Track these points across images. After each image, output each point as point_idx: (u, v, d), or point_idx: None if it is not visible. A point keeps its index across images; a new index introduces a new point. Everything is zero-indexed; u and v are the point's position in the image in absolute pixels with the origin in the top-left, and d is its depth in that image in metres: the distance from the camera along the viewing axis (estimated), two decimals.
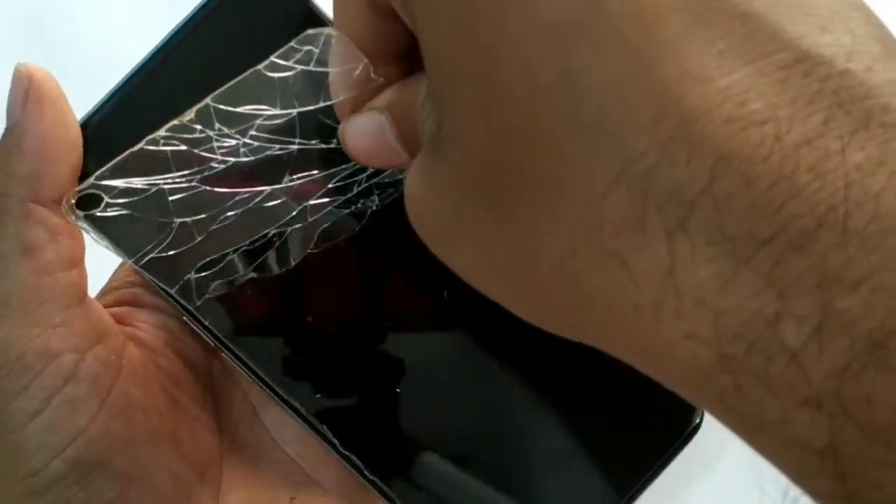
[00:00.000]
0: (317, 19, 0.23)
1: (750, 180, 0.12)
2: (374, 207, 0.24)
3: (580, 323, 0.15)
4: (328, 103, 0.22)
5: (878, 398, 0.11)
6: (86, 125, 0.22)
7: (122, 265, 0.25)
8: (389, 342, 0.25)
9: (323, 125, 0.23)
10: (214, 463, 0.24)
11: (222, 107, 0.22)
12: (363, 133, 0.20)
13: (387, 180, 0.24)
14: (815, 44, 0.12)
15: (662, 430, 0.25)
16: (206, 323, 0.23)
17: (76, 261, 0.21)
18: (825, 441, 0.11)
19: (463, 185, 0.16)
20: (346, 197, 0.24)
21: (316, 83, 0.21)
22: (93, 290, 0.23)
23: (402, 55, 0.20)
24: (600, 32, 0.13)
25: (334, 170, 0.24)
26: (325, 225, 0.24)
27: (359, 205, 0.24)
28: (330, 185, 0.24)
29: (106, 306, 0.23)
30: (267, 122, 0.23)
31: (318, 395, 0.24)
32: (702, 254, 0.12)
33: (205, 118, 0.22)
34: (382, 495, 0.24)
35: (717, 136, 0.12)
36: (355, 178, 0.24)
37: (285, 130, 0.23)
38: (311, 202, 0.23)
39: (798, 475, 0.12)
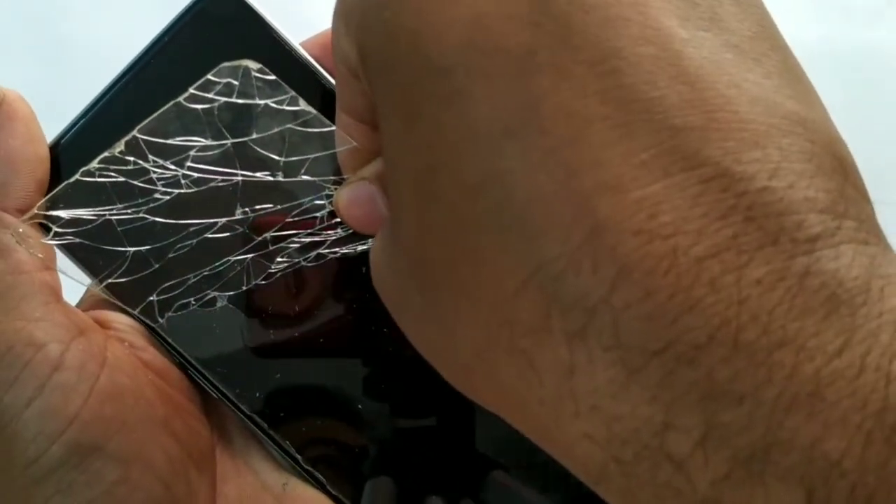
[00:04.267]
0: (281, 46, 0.23)
1: (649, 292, 0.12)
2: (337, 237, 0.24)
3: (499, 407, 0.15)
4: (262, 135, 0.21)
5: None
6: (55, 147, 0.23)
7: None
8: (357, 357, 0.24)
9: (264, 158, 0.23)
10: (209, 453, 0.24)
11: (151, 139, 0.22)
12: (355, 202, 0.21)
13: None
14: (738, 160, 0.12)
15: None
16: (171, 341, 0.23)
17: (47, 264, 0.22)
18: None
19: (404, 266, 0.16)
20: (309, 231, 0.23)
21: (244, 116, 0.21)
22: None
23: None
24: (529, 139, 0.13)
25: (290, 204, 0.23)
26: (289, 251, 0.24)
27: (321, 238, 0.24)
28: (289, 219, 0.23)
29: (83, 311, 0.23)
30: (201, 154, 0.22)
31: (282, 414, 0.24)
32: (599, 359, 0.12)
33: (135, 150, 0.22)
34: None
35: (622, 248, 0.12)
36: (316, 214, 0.24)
37: (223, 162, 0.23)
38: (272, 233, 0.23)
39: None
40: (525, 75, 0.13)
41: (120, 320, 0.24)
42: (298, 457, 0.24)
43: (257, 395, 0.24)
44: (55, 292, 0.22)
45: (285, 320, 0.24)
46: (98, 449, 0.20)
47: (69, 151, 0.23)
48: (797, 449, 0.11)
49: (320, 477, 0.24)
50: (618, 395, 0.12)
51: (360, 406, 0.24)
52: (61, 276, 0.22)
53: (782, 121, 0.13)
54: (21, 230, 0.21)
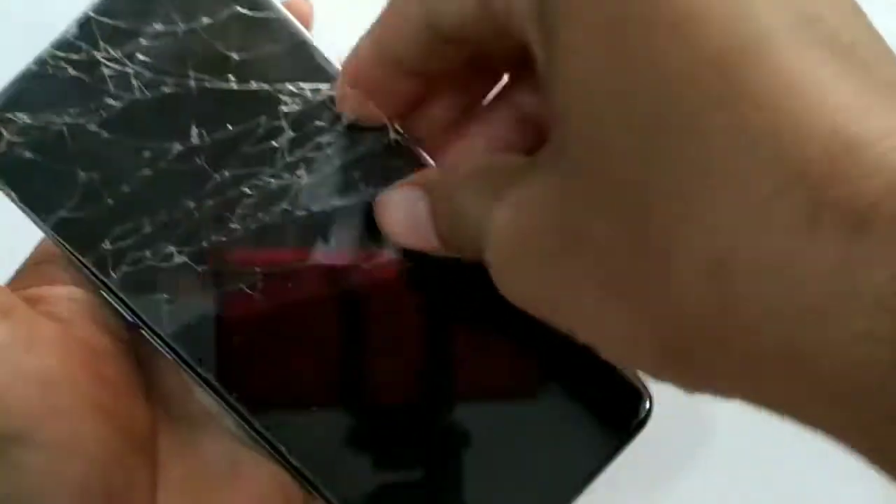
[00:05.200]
0: None
1: None
2: (305, 183, 0.23)
3: (711, 333, 0.15)
4: (212, 21, 0.21)
5: None
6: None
7: (32, 252, 0.24)
8: (323, 320, 0.23)
9: (216, 56, 0.22)
10: (148, 435, 0.22)
11: (104, 19, 0.21)
12: (396, 206, 0.22)
13: (311, 154, 0.23)
14: None
15: (609, 423, 0.23)
16: (123, 297, 0.22)
17: None
18: None
19: (592, 204, 0.16)
20: (270, 171, 0.23)
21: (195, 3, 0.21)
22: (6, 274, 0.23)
23: (431, 73, 0.21)
24: (764, 60, 0.14)
25: (250, 123, 0.23)
26: (251, 200, 0.22)
27: (284, 178, 0.23)
28: (247, 149, 0.22)
29: (15, 290, 0.22)
30: (152, 44, 0.22)
31: (241, 378, 0.22)
32: (881, 255, 0.13)
33: (87, 34, 0.22)
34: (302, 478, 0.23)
35: (886, 157, 0.13)
36: (275, 141, 0.23)
37: (175, 58, 0.22)
38: (229, 172, 0.22)
39: None
40: (755, 15, 0.14)
41: (55, 293, 0.22)
42: (256, 423, 0.22)
43: (214, 357, 0.22)
44: None
45: (246, 279, 0.23)
46: (23, 437, 0.19)
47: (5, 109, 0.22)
48: None
49: (279, 445, 0.22)
50: None
51: (322, 370, 0.23)
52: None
53: None
54: None
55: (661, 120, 0.15)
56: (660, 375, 0.17)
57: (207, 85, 0.22)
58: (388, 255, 0.23)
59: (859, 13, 0.16)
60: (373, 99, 0.22)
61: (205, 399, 0.23)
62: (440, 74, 0.22)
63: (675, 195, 0.15)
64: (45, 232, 0.22)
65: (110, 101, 0.22)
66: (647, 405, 0.23)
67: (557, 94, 0.17)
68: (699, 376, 0.16)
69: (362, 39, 0.21)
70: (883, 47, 0.15)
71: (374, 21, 0.21)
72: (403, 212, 0.22)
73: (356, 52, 0.22)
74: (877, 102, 0.14)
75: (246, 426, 0.22)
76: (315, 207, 0.23)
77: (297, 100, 0.23)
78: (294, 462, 0.22)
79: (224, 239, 0.22)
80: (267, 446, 0.22)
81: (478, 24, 0.19)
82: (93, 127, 0.22)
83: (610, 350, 0.18)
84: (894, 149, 0.13)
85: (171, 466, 0.23)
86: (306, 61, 0.23)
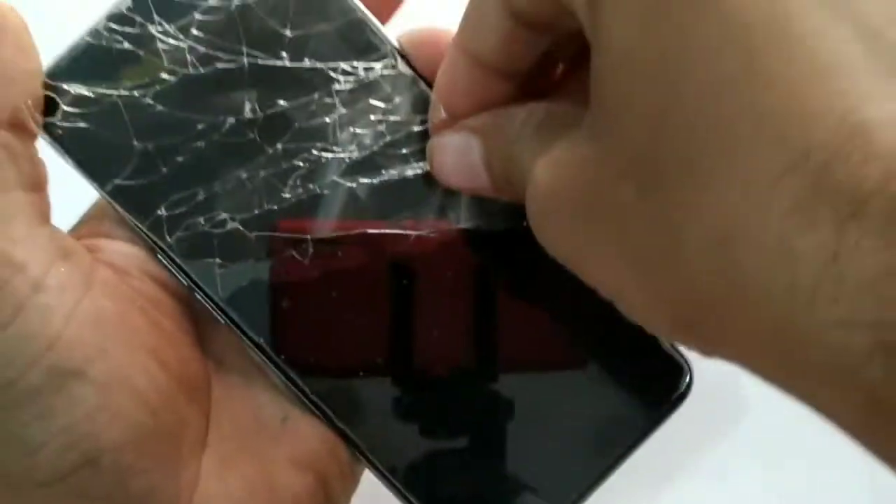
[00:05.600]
0: None
1: None
2: (355, 157, 0.23)
3: (718, 307, 0.16)
4: None
5: None
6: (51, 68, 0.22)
7: (90, 209, 0.24)
8: (373, 290, 0.23)
9: (269, 31, 0.22)
10: (201, 387, 0.23)
11: None
12: (449, 149, 0.22)
13: (363, 130, 0.23)
14: None
15: (649, 396, 0.24)
16: (178, 261, 0.23)
17: (37, 185, 0.21)
18: None
19: (617, 171, 0.17)
20: (323, 144, 0.23)
21: None
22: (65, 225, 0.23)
23: (518, 73, 0.21)
24: (788, 39, 0.14)
25: (302, 100, 0.23)
26: (302, 171, 0.23)
27: (335, 152, 0.23)
28: (299, 125, 0.23)
29: (75, 238, 0.23)
30: (206, 19, 0.22)
31: (289, 342, 0.23)
32: (869, 245, 0.13)
33: (141, 6, 0.22)
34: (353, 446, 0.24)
35: (892, 144, 0.13)
36: (327, 117, 0.23)
37: (228, 34, 0.22)
38: (281, 145, 0.23)
39: None
40: None
41: (113, 248, 0.23)
42: (305, 387, 0.23)
43: (265, 321, 0.23)
44: (42, 214, 0.21)
45: (297, 246, 0.23)
46: (78, 373, 0.20)
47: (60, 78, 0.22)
48: None
49: (326, 409, 0.23)
50: (888, 279, 0.13)
51: (371, 339, 0.23)
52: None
53: None
54: (30, 102, 0.21)
55: (680, 94, 0.15)
56: (673, 339, 0.18)
57: (260, 61, 0.22)
58: (436, 224, 0.23)
59: None
60: (464, 108, 0.22)
61: (257, 361, 0.24)
62: (525, 77, 0.22)
63: (687, 170, 0.15)
64: (102, 196, 0.23)
65: (164, 75, 0.22)
66: (688, 379, 0.24)
67: (597, 59, 0.17)
68: (708, 344, 0.17)
69: (450, 48, 0.21)
70: None
71: (458, 24, 0.21)
72: (457, 154, 0.22)
73: (445, 65, 0.22)
74: None
75: (295, 389, 0.23)
76: (365, 179, 0.23)
77: (349, 78, 0.23)
78: (340, 426, 0.23)
79: (276, 207, 0.23)
80: (315, 410, 0.23)
81: (546, 2, 0.19)
82: (147, 99, 0.22)
83: (629, 311, 0.18)
84: None
85: (223, 417, 0.24)
86: (360, 39, 0.23)
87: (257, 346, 0.23)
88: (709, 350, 0.17)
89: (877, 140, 0.13)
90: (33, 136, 0.21)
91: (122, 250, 0.23)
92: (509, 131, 0.21)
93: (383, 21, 0.24)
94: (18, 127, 0.21)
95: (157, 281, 0.23)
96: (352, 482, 0.25)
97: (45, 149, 0.22)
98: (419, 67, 0.23)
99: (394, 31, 0.23)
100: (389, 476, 0.23)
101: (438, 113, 0.22)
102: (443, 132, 0.22)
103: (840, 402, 0.14)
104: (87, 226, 0.24)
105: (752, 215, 0.14)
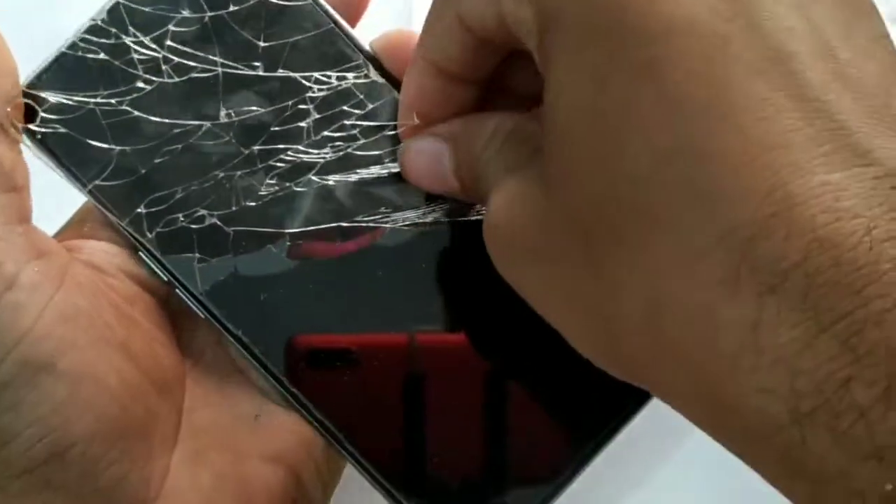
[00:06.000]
0: None
1: (838, 262, 0.13)
2: (329, 159, 0.24)
3: (650, 364, 0.16)
4: (238, 7, 0.22)
5: None
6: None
7: (75, 213, 0.25)
8: (351, 279, 0.24)
9: (243, 42, 0.23)
10: (175, 381, 0.24)
11: (132, 5, 0.22)
12: (420, 155, 0.23)
13: (337, 134, 0.24)
14: None
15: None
16: (158, 256, 0.23)
17: (15, 186, 0.21)
18: (882, 492, 0.13)
19: (562, 220, 0.18)
20: (297, 147, 0.23)
21: None
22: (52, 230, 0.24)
23: (482, 80, 0.22)
24: (727, 116, 0.15)
25: (275, 107, 0.23)
26: (278, 170, 0.23)
27: (310, 154, 0.24)
28: (274, 128, 0.23)
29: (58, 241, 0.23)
30: (180, 30, 0.23)
31: (268, 334, 0.24)
32: (786, 318, 0.14)
33: (116, 19, 0.22)
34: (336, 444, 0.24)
35: (814, 221, 0.14)
36: (301, 122, 0.23)
37: (202, 45, 0.23)
38: (258, 147, 0.23)
39: None
40: (722, 60, 0.15)
41: (93, 247, 0.24)
42: (283, 378, 0.24)
43: (243, 314, 0.24)
44: (20, 213, 0.21)
45: (275, 240, 0.24)
46: (48, 367, 0.20)
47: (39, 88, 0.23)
48: None
49: (304, 400, 0.24)
50: (802, 351, 0.14)
51: (350, 330, 0.24)
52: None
53: None
54: (8, 109, 0.21)
55: (619, 167, 0.16)
56: (616, 376, 0.19)
57: (235, 71, 0.23)
58: (408, 218, 0.24)
59: (859, 24, 0.16)
60: (431, 115, 0.23)
61: (235, 355, 0.25)
62: (489, 82, 0.23)
63: (623, 235, 0.16)
64: (84, 195, 0.23)
65: (140, 84, 0.23)
66: None
67: (547, 111, 0.18)
68: (649, 388, 0.18)
69: (413, 56, 0.22)
70: (878, 67, 0.16)
71: (420, 35, 0.22)
72: (427, 160, 0.23)
73: (409, 73, 0.22)
74: (834, 149, 0.14)
75: (273, 381, 0.24)
76: (339, 177, 0.24)
77: (323, 87, 0.23)
78: (318, 416, 0.24)
79: (253, 204, 0.23)
80: (293, 401, 0.24)
81: (497, 27, 0.19)
82: (124, 106, 0.23)
83: (574, 345, 0.19)
84: (825, 208, 0.14)
85: (198, 412, 0.24)
86: (333, 49, 0.23)
87: (236, 338, 0.24)
88: (652, 393, 0.18)
89: (799, 216, 0.14)
90: (14, 139, 0.22)
91: (103, 248, 0.24)
92: (477, 143, 0.21)
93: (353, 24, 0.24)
94: None
95: (134, 279, 0.24)
96: (329, 477, 0.26)
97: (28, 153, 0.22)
98: (392, 70, 0.24)
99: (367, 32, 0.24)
100: (367, 466, 0.24)
101: (408, 118, 0.23)
102: (413, 137, 0.23)
103: (762, 462, 0.15)
104: (72, 229, 0.24)
105: (679, 284, 0.15)
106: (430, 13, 0.21)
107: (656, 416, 0.23)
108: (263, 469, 0.24)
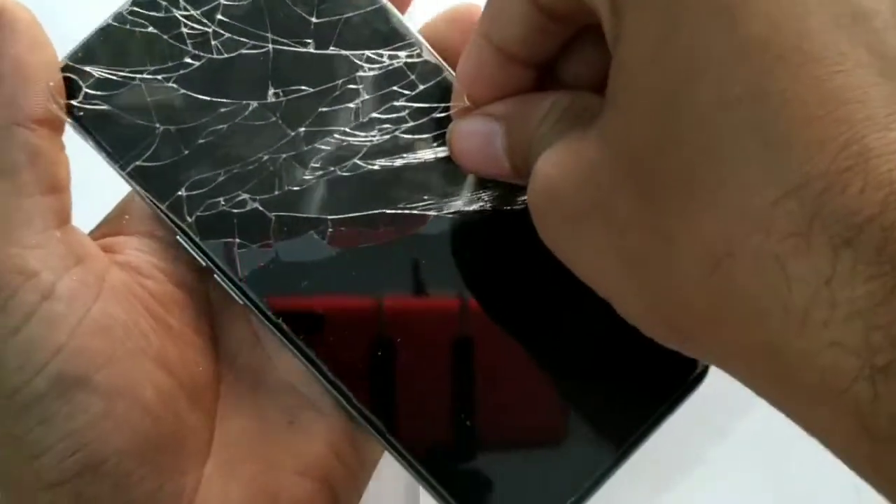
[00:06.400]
0: None
1: None
2: (377, 142, 0.23)
3: (711, 320, 0.16)
4: None
5: None
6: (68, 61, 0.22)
7: (112, 210, 0.24)
8: (394, 270, 0.23)
9: (294, 17, 0.22)
10: (208, 386, 0.23)
11: None
12: (472, 135, 0.22)
13: (385, 116, 0.23)
14: None
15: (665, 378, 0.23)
16: (197, 241, 0.23)
17: (57, 186, 0.21)
18: None
19: (621, 173, 0.17)
20: (344, 129, 0.23)
21: None
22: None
23: (541, 63, 0.21)
24: (802, 66, 0.14)
25: (325, 87, 0.23)
26: (323, 154, 0.23)
27: (358, 136, 0.23)
28: (323, 109, 0.23)
29: (94, 239, 0.23)
30: (231, 2, 0.22)
31: (308, 322, 0.23)
32: (862, 272, 0.13)
33: None
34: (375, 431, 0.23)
35: (891, 175, 0.13)
36: (351, 103, 0.23)
37: (253, 20, 0.22)
38: (304, 129, 0.23)
39: None
40: (803, 10, 0.15)
41: (128, 242, 0.23)
42: (324, 367, 0.23)
43: (284, 301, 0.23)
44: (59, 217, 0.21)
45: (317, 226, 0.23)
46: (83, 381, 0.20)
47: (83, 61, 0.22)
48: None
49: (345, 389, 0.23)
50: (878, 305, 0.13)
51: (391, 319, 0.23)
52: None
53: None
54: (52, 84, 0.21)
55: (688, 109, 0.15)
56: (669, 346, 0.18)
57: (285, 48, 0.22)
58: (453, 206, 0.23)
59: None
60: (485, 97, 0.22)
61: (273, 343, 0.24)
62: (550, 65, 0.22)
63: (688, 183, 0.16)
64: (122, 178, 0.23)
65: (188, 59, 0.22)
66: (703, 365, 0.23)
67: (615, 60, 0.17)
68: (699, 352, 0.18)
69: (473, 36, 0.21)
70: None
71: (481, 14, 0.21)
72: (479, 140, 0.22)
73: (468, 53, 0.22)
74: None
75: (313, 369, 0.23)
76: (385, 163, 0.23)
77: (374, 66, 0.23)
78: (359, 407, 0.23)
79: (296, 189, 0.23)
80: (334, 390, 0.23)
81: None
82: (170, 83, 0.22)
83: (624, 314, 0.19)
84: None
85: (230, 418, 0.24)
86: (385, 27, 0.23)
87: (276, 326, 0.23)
88: (700, 357, 0.18)
89: (875, 170, 0.14)
90: (59, 131, 0.21)
91: (139, 246, 0.23)
92: (532, 121, 0.21)
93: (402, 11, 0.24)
94: (43, 123, 0.21)
95: (171, 277, 0.23)
96: (360, 484, 0.25)
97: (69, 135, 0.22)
98: (453, 43, 0.23)
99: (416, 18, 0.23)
100: (410, 458, 0.23)
101: (461, 100, 0.22)
102: (465, 118, 0.22)
103: (829, 423, 0.14)
104: (109, 224, 0.24)
105: (749, 236, 0.15)
106: None
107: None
108: (296, 482, 0.23)
